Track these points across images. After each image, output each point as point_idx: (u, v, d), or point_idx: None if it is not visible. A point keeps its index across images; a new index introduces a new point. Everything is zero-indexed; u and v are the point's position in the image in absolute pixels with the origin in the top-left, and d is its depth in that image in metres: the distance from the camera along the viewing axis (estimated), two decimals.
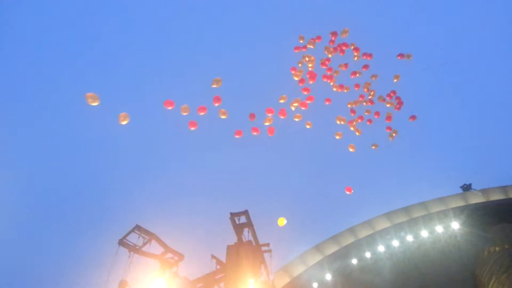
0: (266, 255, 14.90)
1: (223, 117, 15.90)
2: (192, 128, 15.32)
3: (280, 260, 18.17)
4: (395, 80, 18.47)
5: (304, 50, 18.46)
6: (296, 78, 18.15)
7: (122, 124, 13.85)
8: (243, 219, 14.21)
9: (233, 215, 14.13)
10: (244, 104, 17.36)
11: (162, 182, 37.66)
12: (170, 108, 14.81)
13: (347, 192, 17.22)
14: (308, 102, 17.61)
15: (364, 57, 18.37)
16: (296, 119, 17.34)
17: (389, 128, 18.36)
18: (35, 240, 32.92)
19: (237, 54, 46.87)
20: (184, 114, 15.17)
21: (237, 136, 16.36)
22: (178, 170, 39.69)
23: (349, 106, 18.33)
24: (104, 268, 12.05)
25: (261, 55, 47.10)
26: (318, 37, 18.43)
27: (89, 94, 12.85)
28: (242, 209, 14.35)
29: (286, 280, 17.51)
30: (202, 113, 15.53)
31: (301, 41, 18.66)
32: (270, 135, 16.62)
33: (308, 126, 17.69)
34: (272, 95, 18.42)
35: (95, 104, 12.99)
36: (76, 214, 35.09)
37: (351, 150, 18.06)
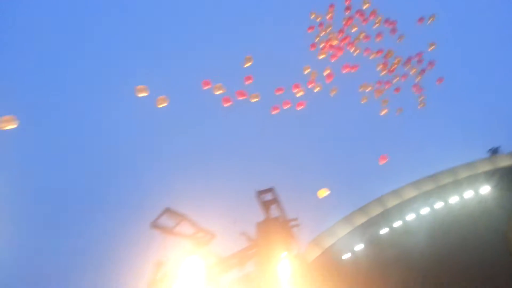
0: (295, 229, 15.09)
1: (254, 100, 15.93)
2: (226, 105, 15.40)
3: (310, 234, 18.35)
4: (430, 49, 18.03)
5: (320, 27, 18.14)
6: (322, 56, 17.88)
7: (159, 107, 14.00)
8: (270, 196, 14.42)
9: (259, 193, 14.34)
10: (264, 85, 17.33)
11: (190, 163, 38.06)
12: (207, 87, 14.94)
13: (381, 162, 17.05)
14: (346, 71, 17.44)
15: (387, 25, 17.93)
16: (317, 90, 17.22)
17: (418, 89, 18.06)
18: (65, 224, 33.93)
19: (248, 38, 46.28)
20: (217, 93, 15.26)
21: (274, 112, 16.38)
22: (205, 150, 40.04)
23: (379, 69, 17.97)
24: (137, 251, 12.53)
25: (273, 39, 46.45)
26: (331, 6, 18.00)
27: (139, 87, 13.07)
28: (269, 186, 14.55)
29: (317, 252, 17.76)
30: (241, 98, 15.56)
31: (312, 17, 18.35)
32: (300, 108, 16.54)
33: (332, 94, 17.52)
34: (292, 74, 18.31)
35: (143, 95, 13.19)
36: (107, 198, 35.97)
37: (382, 114, 17.85)
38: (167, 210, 12.69)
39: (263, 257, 13.64)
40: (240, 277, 14.05)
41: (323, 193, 15.61)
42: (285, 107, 16.47)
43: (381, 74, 18.13)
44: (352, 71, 18.00)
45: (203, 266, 12.76)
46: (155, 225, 12.53)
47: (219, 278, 13.37)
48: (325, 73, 17.36)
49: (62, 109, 41.39)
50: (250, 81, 15.97)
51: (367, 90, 18.16)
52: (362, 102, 18.25)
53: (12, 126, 11.73)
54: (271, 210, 14.42)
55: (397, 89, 18.04)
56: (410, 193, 18.89)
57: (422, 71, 18.12)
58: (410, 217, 18.23)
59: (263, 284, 13.31)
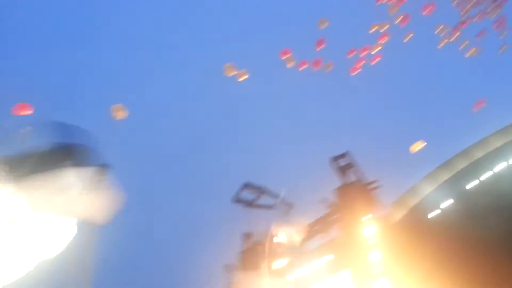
0: (376, 191, 14.92)
1: (329, 69, 15.75)
2: (301, 68, 15.34)
3: (393, 194, 18.01)
4: None
5: None
6: (394, 11, 16.95)
7: (239, 81, 14.38)
8: (345, 161, 14.36)
9: (334, 158, 14.35)
10: (332, 49, 16.90)
11: (264, 135, 38.36)
12: (286, 57, 15.01)
13: (477, 107, 16.04)
14: (426, 13, 16.47)
15: None
16: (382, 41, 16.43)
17: (500, 24, 16.54)
18: (151, 204, 35.49)
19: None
20: (289, 66, 15.31)
21: (354, 73, 16.02)
22: (278, 121, 40.02)
23: (455, 3, 16.62)
24: (222, 226, 13.28)
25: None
26: None
27: (227, 65, 13.62)
28: (343, 151, 14.49)
29: (402, 212, 17.45)
30: (316, 68, 15.46)
31: None
32: (375, 62, 15.97)
33: (407, 39, 16.61)
34: (360, 35, 17.64)
35: (232, 73, 13.75)
36: (189, 177, 37.37)
37: (470, 54, 16.64)
38: (246, 185, 13.29)
39: (346, 222, 13.75)
40: (325, 243, 14.34)
41: (418, 146, 15.06)
42: (360, 65, 15.94)
43: (461, 13, 16.75)
44: (431, 12, 16.85)
45: (287, 235, 13.23)
46: (236, 199, 13.21)
47: (304, 245, 13.79)
48: (396, 21, 16.43)
49: (150, 90, 42.91)
50: (322, 45, 15.60)
51: (442, 34, 16.92)
52: (440, 47, 17.04)
53: (123, 116, 12.59)
54: (348, 175, 14.42)
55: (480, 34, 16.60)
56: (499, 141, 17.72)
57: (501, 3, 16.48)
58: (500, 166, 17.11)
59: (350, 248, 13.51)
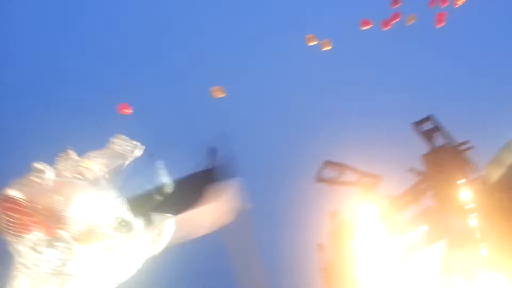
0: (468, 153, 13.98)
1: (411, 22, 14.88)
2: (384, 29, 14.68)
3: (488, 153, 16.71)
4: None
5: None
6: None
7: (324, 50, 14.16)
8: (430, 125, 13.53)
9: (416, 124, 13.54)
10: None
11: (341, 107, 37.36)
12: (366, 27, 14.50)
13: None
14: None
15: None
16: None
17: None
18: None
19: None
20: (364, 28, 14.74)
21: (439, 26, 15.04)
22: (358, 91, 38.69)
23: None
24: (312, 205, 13.12)
25: None
26: None
27: (309, 35, 13.57)
28: (426, 115, 13.65)
29: (499, 171, 16.14)
30: (394, 21, 14.70)
31: None
32: (458, 5, 14.76)
33: None
34: None
35: (314, 43, 13.61)
36: (273, 155, 37.65)
37: None
38: (327, 162, 13.02)
39: (440, 189, 13.12)
40: (419, 213, 13.75)
41: None
42: (444, 16, 14.81)
43: None
44: None
45: (376, 210, 12.81)
46: (319, 178, 13.01)
47: (395, 218, 13.27)
48: None
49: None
50: (399, 4, 14.71)
51: None
52: None
53: (222, 95, 13.37)
54: (435, 139, 13.59)
55: None
56: None
57: None
58: None
59: (446, 217, 12.87)
